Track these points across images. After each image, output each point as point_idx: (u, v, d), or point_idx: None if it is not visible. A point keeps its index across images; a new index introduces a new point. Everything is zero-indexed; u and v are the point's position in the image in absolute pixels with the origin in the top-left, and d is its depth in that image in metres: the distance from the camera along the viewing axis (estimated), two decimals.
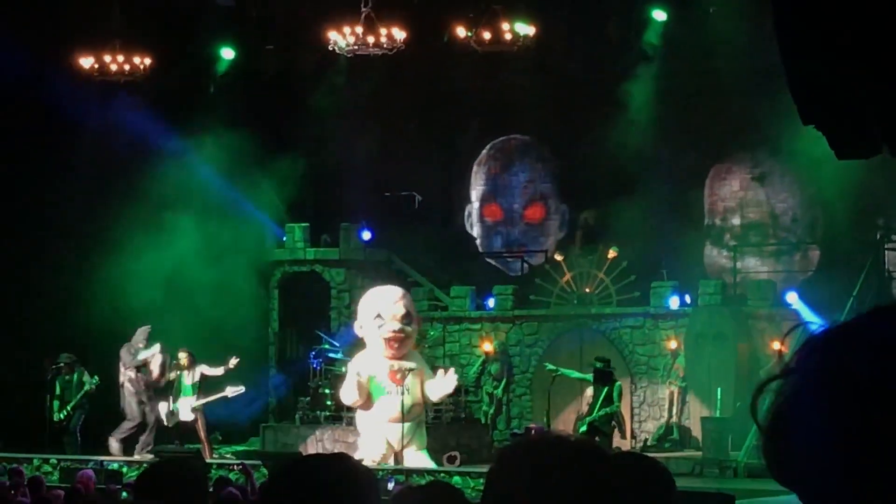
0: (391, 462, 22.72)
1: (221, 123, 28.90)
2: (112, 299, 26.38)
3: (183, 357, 24.59)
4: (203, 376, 24.56)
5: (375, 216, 29.64)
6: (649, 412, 27.14)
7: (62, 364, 24.94)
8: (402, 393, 22.83)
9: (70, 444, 24.56)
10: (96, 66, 27.84)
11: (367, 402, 23.20)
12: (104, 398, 24.94)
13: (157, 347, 24.50)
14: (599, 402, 22.44)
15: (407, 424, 22.73)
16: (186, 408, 24.51)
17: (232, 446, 26.47)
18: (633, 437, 26.82)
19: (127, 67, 28.04)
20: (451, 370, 23.57)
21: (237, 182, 28.93)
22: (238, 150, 28.55)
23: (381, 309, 23.46)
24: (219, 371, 24.47)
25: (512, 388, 27.89)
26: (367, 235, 29.66)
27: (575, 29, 28.12)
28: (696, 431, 25.58)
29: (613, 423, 23.09)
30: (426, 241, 29.90)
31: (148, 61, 28.16)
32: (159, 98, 28.07)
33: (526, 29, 27.06)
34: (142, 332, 24.75)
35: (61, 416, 24.82)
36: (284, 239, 29.83)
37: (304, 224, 29.62)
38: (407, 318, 23.35)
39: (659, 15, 28.11)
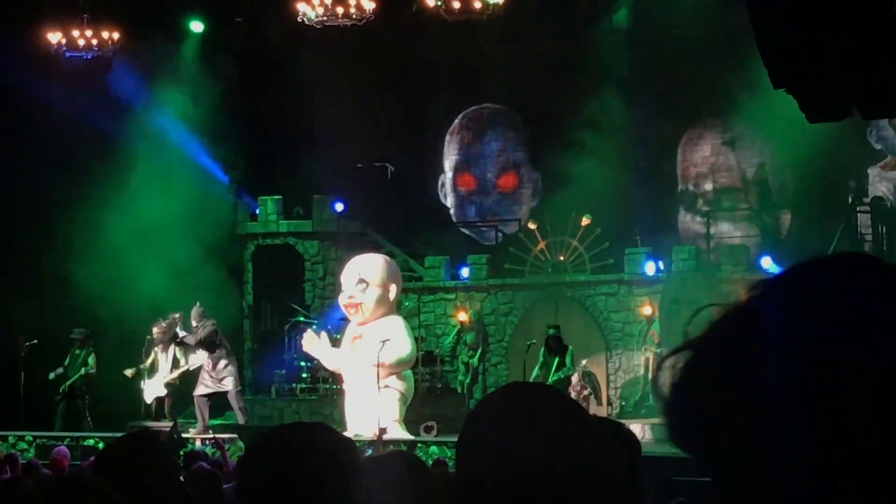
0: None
1: (191, 97, 28.83)
2: (85, 274, 26.31)
3: (157, 332, 24.50)
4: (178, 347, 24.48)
5: (348, 188, 29.56)
6: (625, 378, 27.19)
7: (77, 338, 24.93)
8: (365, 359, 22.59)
9: (69, 422, 24.54)
10: (63, 40, 27.62)
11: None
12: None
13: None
14: (554, 367, 22.75)
15: (372, 392, 22.48)
16: (160, 383, 24.44)
17: (209, 420, 26.40)
18: (610, 403, 26.88)
19: (95, 42, 27.84)
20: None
21: (209, 155, 28.86)
22: (209, 123, 28.49)
23: (342, 276, 23.53)
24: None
25: (487, 357, 27.90)
26: (339, 207, 29.59)
27: None
28: None
29: (586, 388, 23.23)
30: (400, 212, 29.86)
31: (116, 35, 27.96)
32: (128, 72, 27.92)
33: None
34: (196, 311, 24.48)
35: (63, 389, 24.83)
36: (257, 212, 29.75)
37: (276, 196, 29.53)
38: (361, 284, 23.08)
39: None
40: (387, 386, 22.57)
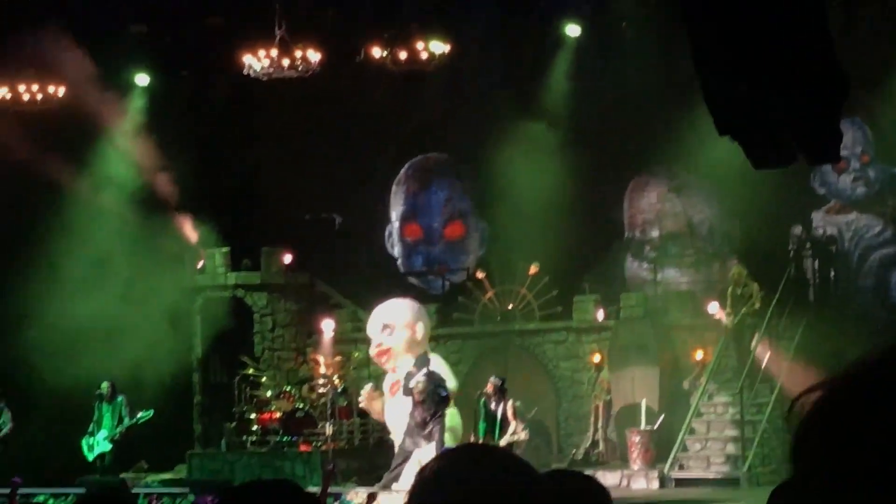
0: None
1: (138, 149, 28.76)
2: (30, 332, 26.16)
3: (105, 387, 24.29)
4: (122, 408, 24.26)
5: (297, 239, 29.54)
6: (575, 426, 27.20)
7: None
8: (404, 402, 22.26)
9: None
10: (9, 95, 27.51)
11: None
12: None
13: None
14: (498, 426, 22.48)
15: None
16: (104, 439, 24.20)
17: (158, 474, 26.22)
18: (560, 450, 26.88)
19: (40, 97, 27.74)
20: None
21: (155, 208, 28.78)
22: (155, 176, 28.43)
23: (367, 329, 23.33)
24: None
25: None
26: (288, 259, 29.54)
27: (490, 46, 28.21)
28: (623, 444, 25.67)
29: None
30: (347, 263, 29.86)
31: (62, 90, 27.88)
32: (74, 126, 27.82)
33: (441, 47, 27.10)
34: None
35: None
36: (205, 264, 29.65)
37: (224, 249, 29.46)
38: (387, 330, 22.84)
39: (573, 30, 28.26)
40: (436, 426, 21.88)
